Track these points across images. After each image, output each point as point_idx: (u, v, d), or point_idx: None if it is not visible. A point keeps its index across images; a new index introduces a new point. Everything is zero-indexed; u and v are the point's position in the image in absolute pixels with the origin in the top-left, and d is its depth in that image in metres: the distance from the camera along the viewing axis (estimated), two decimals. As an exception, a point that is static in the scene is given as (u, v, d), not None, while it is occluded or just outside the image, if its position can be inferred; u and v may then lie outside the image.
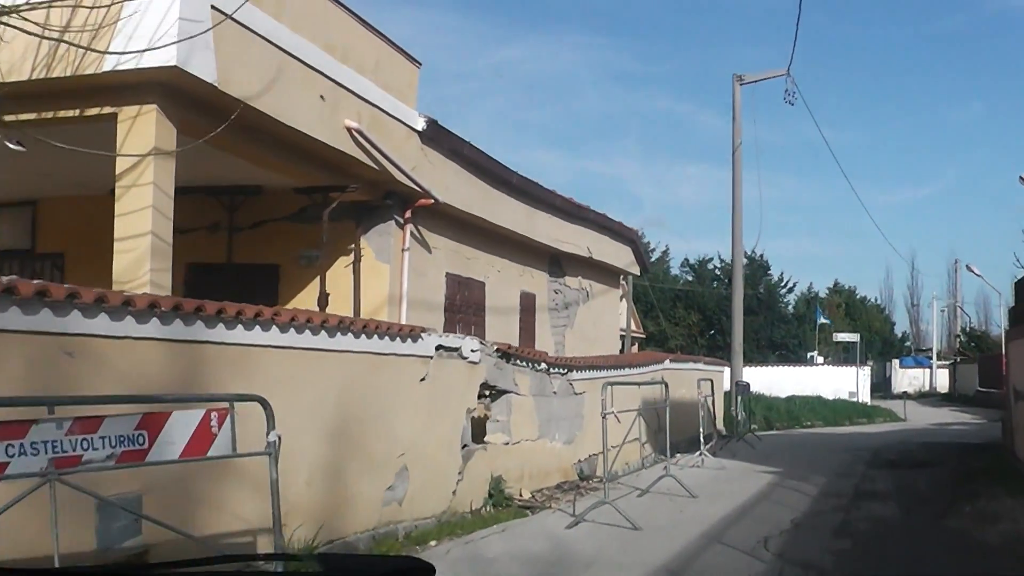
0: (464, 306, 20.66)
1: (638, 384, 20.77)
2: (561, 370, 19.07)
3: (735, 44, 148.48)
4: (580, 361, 20.49)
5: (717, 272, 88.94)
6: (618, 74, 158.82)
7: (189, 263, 18.31)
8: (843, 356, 76.26)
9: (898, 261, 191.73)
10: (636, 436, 23.77)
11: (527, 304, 24.44)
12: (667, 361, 27.91)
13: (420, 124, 17.20)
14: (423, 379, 13.53)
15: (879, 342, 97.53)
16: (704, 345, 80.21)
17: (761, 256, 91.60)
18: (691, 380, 27.66)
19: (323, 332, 11.11)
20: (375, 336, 12.24)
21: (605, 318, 31.39)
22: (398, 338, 12.81)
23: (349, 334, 11.64)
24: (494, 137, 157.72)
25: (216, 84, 12.01)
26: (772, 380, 56.67)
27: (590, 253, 27.47)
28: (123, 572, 4.59)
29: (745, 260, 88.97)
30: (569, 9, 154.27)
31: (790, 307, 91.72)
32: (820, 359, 70.21)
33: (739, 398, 33.58)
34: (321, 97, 14.36)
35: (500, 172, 20.69)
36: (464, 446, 14.81)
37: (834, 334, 72.72)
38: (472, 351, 15.07)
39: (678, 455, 25.12)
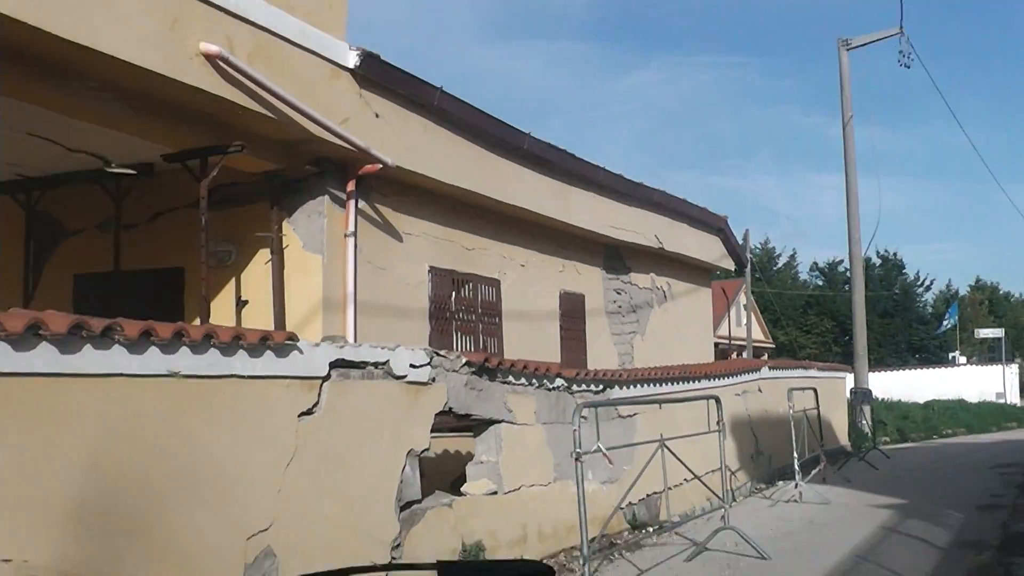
0: (465, 311, 15.96)
1: (659, 403, 15.55)
2: (594, 387, 14.33)
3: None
4: (625, 374, 15.59)
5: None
6: (749, 91, 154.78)
7: (77, 274, 14.08)
8: (988, 356, 70.00)
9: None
10: (719, 464, 19.25)
11: (572, 307, 19.64)
12: (764, 369, 22.88)
13: (351, 60, 12.53)
14: (309, 412, 8.85)
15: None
16: (839, 352, 75.06)
17: (895, 255, 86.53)
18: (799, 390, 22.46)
19: (45, 345, 6.48)
20: (184, 348, 7.58)
21: (692, 323, 26.20)
22: (242, 351, 8.13)
23: (117, 347, 6.99)
24: (629, 160, 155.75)
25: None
26: (910, 385, 51.90)
27: (660, 244, 22.51)
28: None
29: (878, 260, 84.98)
30: (698, 31, 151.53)
31: (928, 307, 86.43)
32: (963, 360, 64.29)
33: (861, 408, 28.31)
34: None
35: (499, 132, 15.88)
36: (406, 505, 10.11)
37: (976, 331, 66.63)
38: (414, 366, 10.40)
39: (779, 483, 20.33)
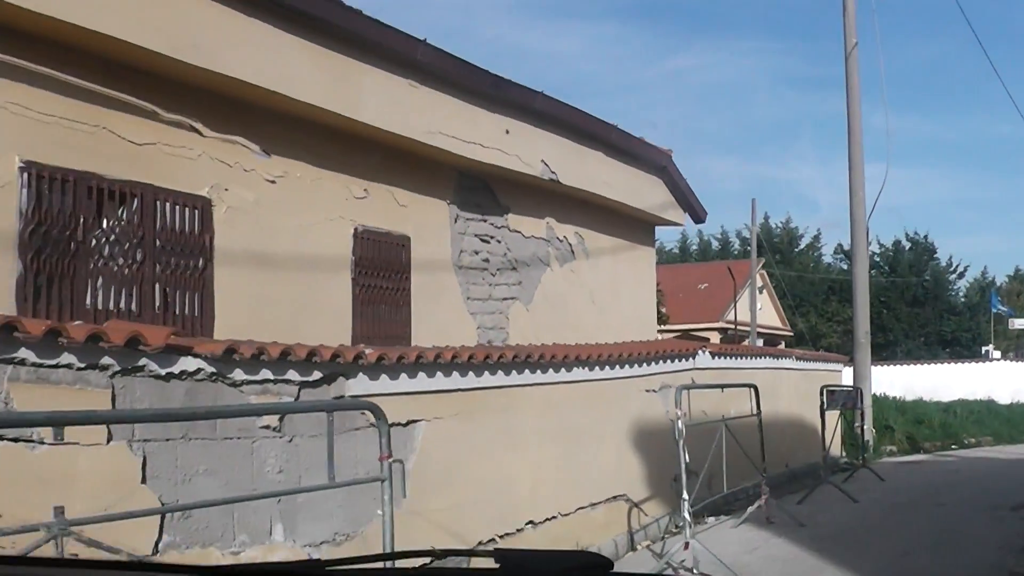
0: (122, 243, 9.49)
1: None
2: (299, 374, 8.05)
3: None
4: (383, 354, 9.04)
5: (876, 259, 76.24)
6: (791, 78, 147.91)
7: None
8: (1025, 351, 63.51)
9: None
10: (621, 492, 13.29)
11: (382, 254, 12.99)
12: (702, 355, 16.47)
13: None
14: None
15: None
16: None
17: (926, 238, 80.00)
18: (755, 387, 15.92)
19: None
20: None
21: (620, 292, 19.30)
22: None
23: None
24: (667, 145, 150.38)
25: None
26: (937, 381, 45.30)
27: (552, 174, 15.86)
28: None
29: (907, 243, 78.43)
30: (740, 15, 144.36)
31: (961, 296, 79.92)
32: (997, 354, 57.54)
33: (856, 412, 21.81)
34: None
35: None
36: None
37: (1010, 321, 60.09)
38: None
39: (710, 519, 14.34)
